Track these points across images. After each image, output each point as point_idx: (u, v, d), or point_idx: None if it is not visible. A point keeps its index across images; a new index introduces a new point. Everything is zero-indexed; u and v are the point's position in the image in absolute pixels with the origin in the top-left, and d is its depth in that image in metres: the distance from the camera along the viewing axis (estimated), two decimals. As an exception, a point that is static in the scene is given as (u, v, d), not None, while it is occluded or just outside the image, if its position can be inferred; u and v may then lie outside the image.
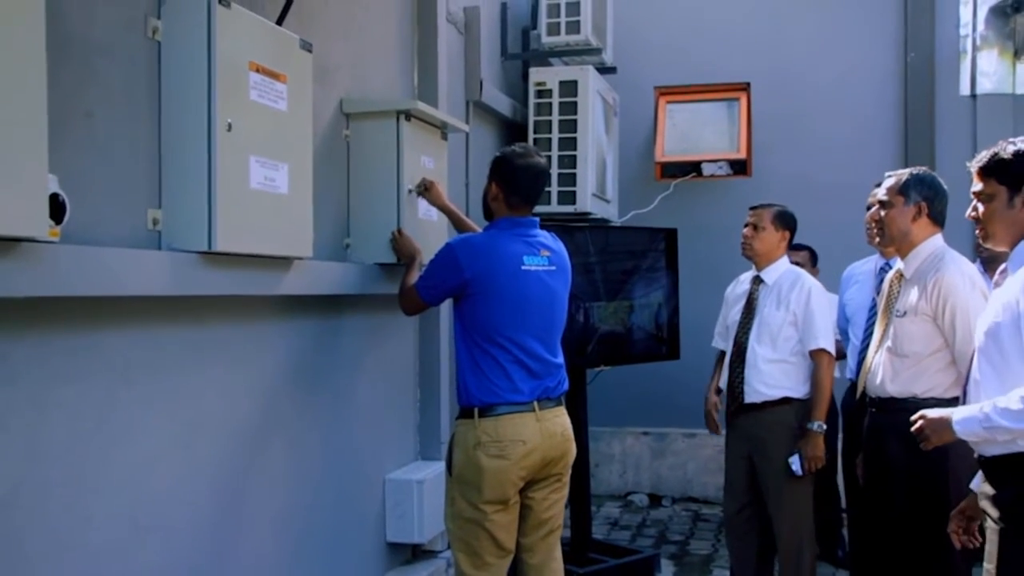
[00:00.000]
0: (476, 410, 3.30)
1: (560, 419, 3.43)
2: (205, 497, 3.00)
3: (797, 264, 5.19)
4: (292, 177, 3.10)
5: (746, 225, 4.43)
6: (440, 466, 3.71)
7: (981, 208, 2.80)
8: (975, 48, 6.54)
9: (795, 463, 4.14)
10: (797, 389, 4.23)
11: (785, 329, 4.23)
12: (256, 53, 2.90)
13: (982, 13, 6.53)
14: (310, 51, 3.23)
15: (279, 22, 3.15)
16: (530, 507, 3.44)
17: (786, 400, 4.22)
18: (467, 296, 3.32)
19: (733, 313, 4.46)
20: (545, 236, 3.51)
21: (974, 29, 6.55)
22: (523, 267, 3.34)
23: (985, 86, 6.51)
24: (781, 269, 4.37)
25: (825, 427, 4.16)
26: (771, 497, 4.27)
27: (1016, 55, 6.45)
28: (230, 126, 2.75)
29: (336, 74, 3.79)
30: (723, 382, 4.48)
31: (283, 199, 3.06)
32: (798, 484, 4.22)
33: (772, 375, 4.23)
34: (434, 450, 4.56)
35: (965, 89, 6.57)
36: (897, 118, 6.70)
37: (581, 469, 4.88)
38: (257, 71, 2.90)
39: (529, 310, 3.34)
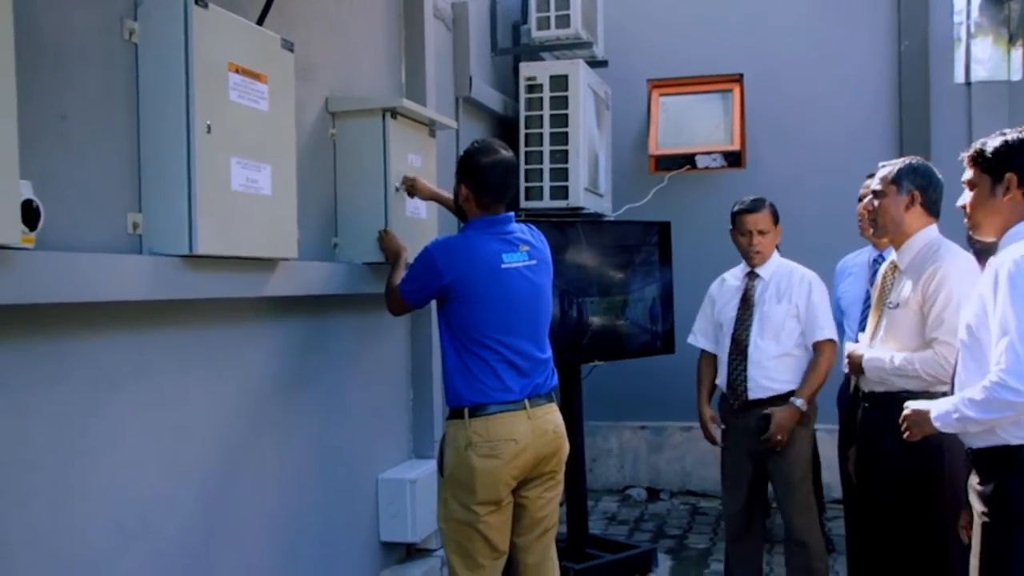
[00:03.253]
0: (466, 410, 3.27)
1: (551, 416, 3.40)
2: (193, 501, 2.97)
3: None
4: (275, 178, 3.07)
5: (745, 233, 4.29)
6: (433, 464, 3.69)
7: (969, 197, 2.79)
8: (969, 35, 6.49)
9: None
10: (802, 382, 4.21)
11: (788, 323, 4.20)
12: (235, 54, 2.87)
13: (976, 0, 6.49)
14: (292, 50, 3.19)
15: (259, 22, 3.12)
16: (524, 506, 3.41)
17: (792, 393, 4.20)
18: (450, 299, 3.29)
19: (727, 310, 4.38)
20: (523, 230, 3.46)
21: (968, 16, 6.50)
22: (503, 265, 3.31)
23: (980, 73, 6.46)
24: (776, 263, 4.33)
25: (806, 406, 4.15)
26: (782, 491, 4.25)
27: (1011, 41, 6.41)
28: (210, 128, 2.71)
29: (321, 72, 3.76)
30: (720, 380, 4.43)
31: (266, 200, 3.03)
32: (807, 478, 4.23)
33: (776, 369, 4.20)
34: (427, 449, 4.53)
35: (960, 77, 6.52)
36: (892, 107, 6.65)
37: (577, 465, 4.86)
38: (237, 72, 2.87)
39: (513, 308, 3.31)
